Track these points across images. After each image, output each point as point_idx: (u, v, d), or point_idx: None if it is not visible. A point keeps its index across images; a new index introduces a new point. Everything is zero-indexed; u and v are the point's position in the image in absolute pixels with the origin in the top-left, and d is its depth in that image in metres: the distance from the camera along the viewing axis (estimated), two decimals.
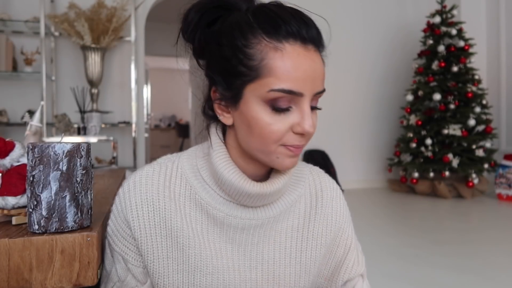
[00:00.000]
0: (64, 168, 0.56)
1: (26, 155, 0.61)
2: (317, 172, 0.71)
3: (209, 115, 0.62)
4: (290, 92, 0.52)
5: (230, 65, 0.54)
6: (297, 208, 0.66)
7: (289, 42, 0.52)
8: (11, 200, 0.61)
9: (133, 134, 3.66)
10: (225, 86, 0.56)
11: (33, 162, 0.56)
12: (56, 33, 3.61)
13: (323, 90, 0.55)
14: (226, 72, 0.55)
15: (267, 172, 0.63)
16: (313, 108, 0.56)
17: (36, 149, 0.56)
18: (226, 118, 0.58)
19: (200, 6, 0.58)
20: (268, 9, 0.54)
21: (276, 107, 0.53)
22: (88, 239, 0.57)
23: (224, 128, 0.63)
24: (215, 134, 0.61)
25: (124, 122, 3.72)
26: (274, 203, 0.63)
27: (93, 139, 3.16)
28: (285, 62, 0.51)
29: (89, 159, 0.61)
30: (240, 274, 0.61)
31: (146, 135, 4.91)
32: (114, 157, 3.36)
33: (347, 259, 0.69)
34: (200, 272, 0.59)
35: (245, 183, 0.58)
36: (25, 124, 3.21)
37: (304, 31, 0.52)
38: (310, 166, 0.72)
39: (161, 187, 0.61)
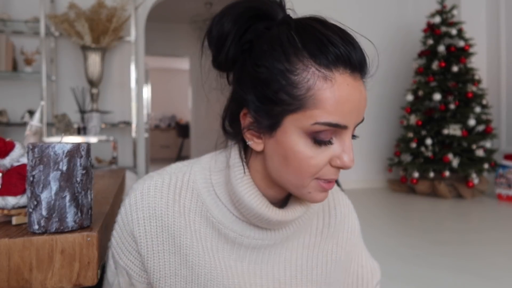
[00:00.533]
0: (64, 168, 0.56)
1: (26, 155, 0.61)
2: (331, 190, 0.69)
3: (231, 134, 0.57)
4: (336, 126, 0.48)
5: (270, 90, 0.48)
6: (308, 226, 0.63)
7: (339, 70, 0.47)
8: (11, 200, 0.61)
9: (133, 134, 3.66)
10: (261, 112, 0.50)
11: (33, 162, 0.56)
12: (56, 33, 3.61)
13: (363, 120, 0.52)
14: (264, 97, 0.49)
15: (287, 196, 0.60)
16: (352, 138, 0.52)
17: (36, 149, 0.56)
18: (256, 144, 0.53)
19: (236, 15, 0.51)
20: (313, 27, 0.49)
21: (318, 140, 0.49)
22: (88, 239, 0.57)
23: (246, 146, 0.57)
24: (237, 155, 0.56)
25: (124, 122, 3.72)
26: (289, 224, 0.60)
27: (93, 139, 3.16)
28: (334, 94, 0.47)
29: (89, 159, 0.61)
30: None
31: (146, 135, 4.91)
32: (114, 157, 3.36)
33: (364, 277, 0.68)
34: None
35: (267, 210, 0.55)
36: (25, 124, 3.22)
37: (354, 56, 0.48)
38: None
39: (170, 201, 0.57)
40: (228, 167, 0.57)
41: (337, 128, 0.48)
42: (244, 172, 0.55)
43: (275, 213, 0.55)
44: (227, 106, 0.56)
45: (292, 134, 0.49)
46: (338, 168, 0.51)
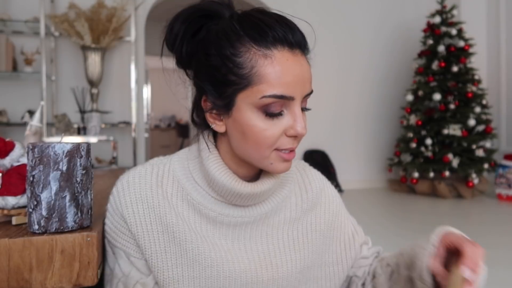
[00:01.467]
0: (64, 168, 0.56)
1: (26, 155, 0.61)
2: (302, 167, 0.75)
3: (198, 123, 0.64)
4: (281, 97, 0.53)
5: (220, 74, 0.55)
6: (288, 203, 0.68)
7: (277, 48, 0.53)
8: (11, 200, 0.61)
9: (133, 134, 3.66)
10: (216, 95, 0.56)
11: (33, 162, 0.56)
12: (56, 33, 3.61)
13: (311, 92, 0.58)
14: (216, 81, 0.56)
15: (257, 173, 0.65)
16: (303, 110, 0.58)
17: (36, 149, 0.56)
18: (218, 126, 0.59)
19: (184, 17, 0.59)
20: (252, 16, 0.55)
21: (269, 113, 0.54)
22: (88, 239, 0.57)
23: (215, 133, 0.64)
24: (206, 139, 0.63)
25: (124, 122, 3.72)
26: (264, 201, 0.65)
27: (93, 139, 3.16)
28: (275, 69, 0.53)
29: (89, 159, 0.61)
30: (240, 265, 0.62)
31: (146, 135, 4.91)
32: (114, 157, 3.36)
33: (354, 239, 0.74)
34: (199, 265, 0.60)
35: (237, 184, 0.60)
36: (25, 124, 3.22)
37: (290, 36, 0.54)
38: (296, 161, 0.75)
39: (154, 186, 0.62)
40: (199, 152, 0.63)
41: (284, 99, 0.54)
42: (209, 151, 0.61)
43: (244, 186, 0.60)
44: (193, 99, 0.64)
45: (246, 111, 0.55)
46: (293, 137, 0.57)
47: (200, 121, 0.63)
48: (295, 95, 0.54)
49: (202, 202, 0.62)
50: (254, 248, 0.64)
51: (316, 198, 0.71)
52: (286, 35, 0.54)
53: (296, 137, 0.57)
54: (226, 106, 0.56)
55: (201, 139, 0.63)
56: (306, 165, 0.76)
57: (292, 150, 0.58)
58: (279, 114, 0.55)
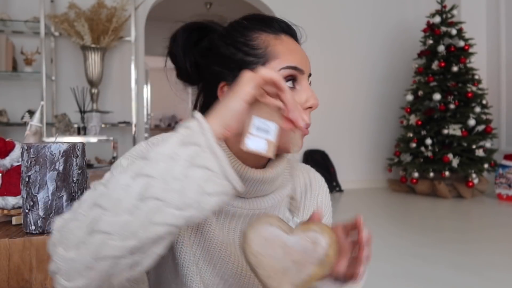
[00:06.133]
0: (61, 168, 0.56)
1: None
2: (307, 170, 0.77)
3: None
4: (295, 68, 0.58)
5: (238, 58, 0.59)
6: (288, 203, 0.70)
7: (283, 34, 0.61)
8: (11, 200, 0.61)
9: (133, 134, 3.66)
10: (237, 79, 0.57)
11: (29, 162, 0.56)
12: (56, 33, 3.61)
13: (311, 74, 0.64)
14: (236, 66, 0.59)
15: (264, 164, 0.65)
16: None
17: (31, 150, 0.55)
18: None
19: (185, 28, 0.65)
20: (253, 15, 0.63)
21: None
22: None
23: None
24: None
25: (124, 122, 3.72)
26: (266, 196, 0.65)
27: (93, 139, 3.16)
28: (286, 47, 0.59)
29: (84, 158, 0.61)
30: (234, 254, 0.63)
31: (146, 135, 4.91)
32: (114, 157, 3.36)
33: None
34: (213, 249, 0.61)
35: (248, 170, 0.60)
36: (25, 124, 3.22)
37: (290, 28, 0.63)
38: (302, 165, 0.77)
39: None
40: None
41: (297, 71, 0.59)
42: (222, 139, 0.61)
43: (255, 172, 0.60)
44: (196, 104, 0.68)
45: None
46: (308, 109, 0.60)
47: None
48: (305, 69, 0.60)
49: None
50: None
51: (314, 192, 0.74)
52: (288, 26, 0.62)
53: (311, 109, 0.60)
54: None
55: None
56: (312, 169, 0.79)
57: (307, 126, 0.60)
58: (294, 88, 0.59)
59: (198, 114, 0.46)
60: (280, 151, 0.61)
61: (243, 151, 0.60)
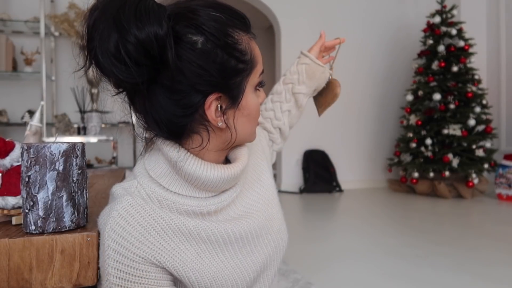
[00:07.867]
0: (61, 168, 0.57)
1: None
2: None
3: (174, 133, 0.60)
4: (262, 71, 0.61)
5: (230, 66, 0.54)
6: (244, 180, 0.71)
7: (249, 32, 0.59)
8: (11, 200, 0.61)
9: (133, 134, 3.65)
10: (229, 89, 0.56)
11: (28, 162, 0.56)
12: (56, 33, 3.61)
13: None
14: (227, 74, 0.54)
15: (224, 159, 0.67)
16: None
17: (31, 150, 0.56)
18: (221, 122, 0.57)
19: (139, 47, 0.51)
20: (218, 4, 0.55)
21: (259, 87, 0.62)
22: (88, 239, 0.57)
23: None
24: (175, 151, 0.59)
25: (124, 122, 3.72)
26: (233, 187, 0.65)
27: (93, 139, 3.16)
28: (257, 48, 0.60)
29: (84, 158, 0.62)
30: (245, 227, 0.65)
31: (146, 135, 4.91)
32: (114, 157, 3.36)
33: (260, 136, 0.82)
34: (231, 244, 0.63)
35: (228, 170, 0.60)
36: (25, 124, 3.22)
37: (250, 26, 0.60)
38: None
39: (148, 211, 0.58)
40: (172, 166, 0.60)
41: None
42: (186, 157, 0.59)
43: (234, 167, 0.61)
44: (158, 119, 0.60)
45: (249, 93, 0.59)
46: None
47: (178, 130, 0.58)
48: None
49: (187, 209, 0.60)
50: (237, 214, 0.65)
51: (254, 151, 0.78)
52: (249, 23, 0.58)
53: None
54: (237, 97, 0.58)
55: (169, 153, 0.60)
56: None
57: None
58: (259, 90, 0.62)
59: None
60: (241, 143, 0.64)
61: (214, 158, 0.62)
